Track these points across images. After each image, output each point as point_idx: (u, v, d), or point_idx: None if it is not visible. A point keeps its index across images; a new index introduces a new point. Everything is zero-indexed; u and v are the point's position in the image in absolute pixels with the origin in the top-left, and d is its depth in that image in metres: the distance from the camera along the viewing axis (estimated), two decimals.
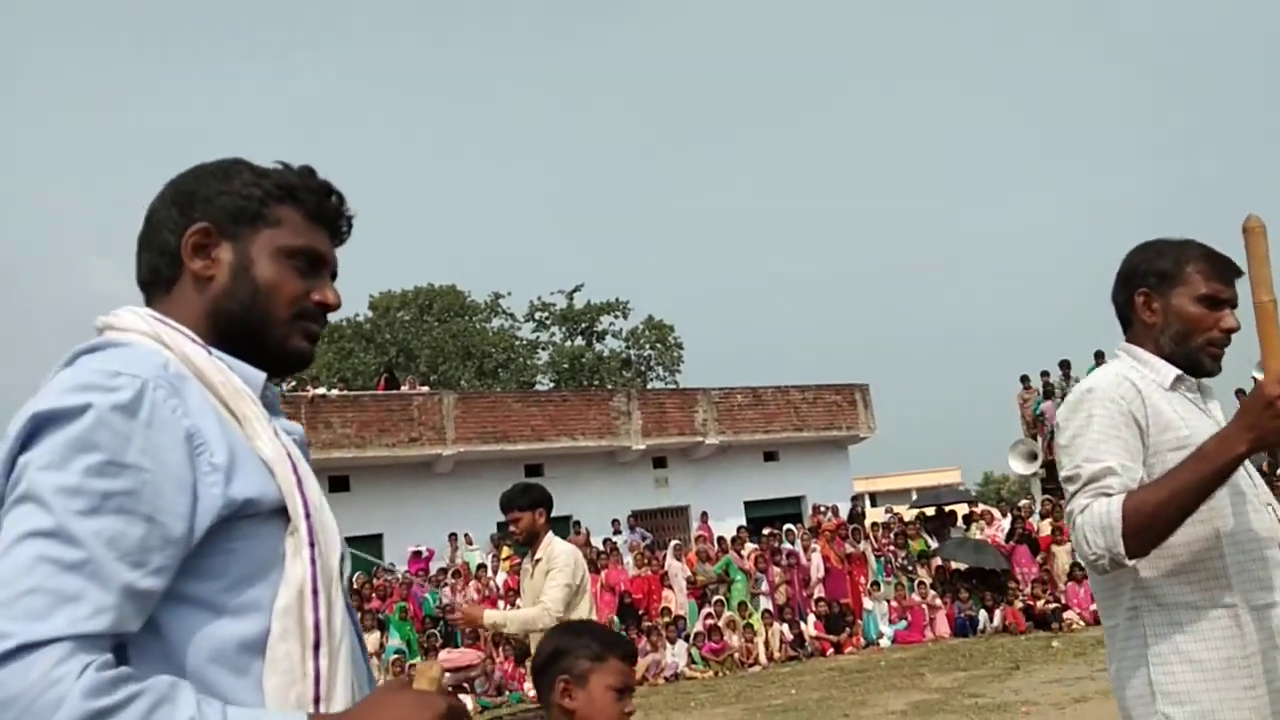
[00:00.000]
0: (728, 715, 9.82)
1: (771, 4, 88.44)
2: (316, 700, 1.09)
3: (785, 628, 14.46)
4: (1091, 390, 2.04)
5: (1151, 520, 1.82)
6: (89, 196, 72.16)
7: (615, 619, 14.13)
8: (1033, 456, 19.45)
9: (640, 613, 14.64)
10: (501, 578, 15.25)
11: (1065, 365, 20.52)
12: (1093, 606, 13.84)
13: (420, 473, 19.10)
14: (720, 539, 16.39)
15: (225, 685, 1.04)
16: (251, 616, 1.08)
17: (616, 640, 2.06)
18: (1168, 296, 2.08)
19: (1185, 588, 1.91)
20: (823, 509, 18.43)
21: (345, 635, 1.15)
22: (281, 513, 1.12)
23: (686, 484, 21.53)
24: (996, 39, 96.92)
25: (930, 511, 18.43)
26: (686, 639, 13.95)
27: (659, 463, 21.51)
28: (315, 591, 1.12)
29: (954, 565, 15.75)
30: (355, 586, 15.39)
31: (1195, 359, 2.07)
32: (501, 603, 13.30)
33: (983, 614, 14.57)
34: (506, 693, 12.57)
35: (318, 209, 1.28)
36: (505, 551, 15.92)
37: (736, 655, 13.79)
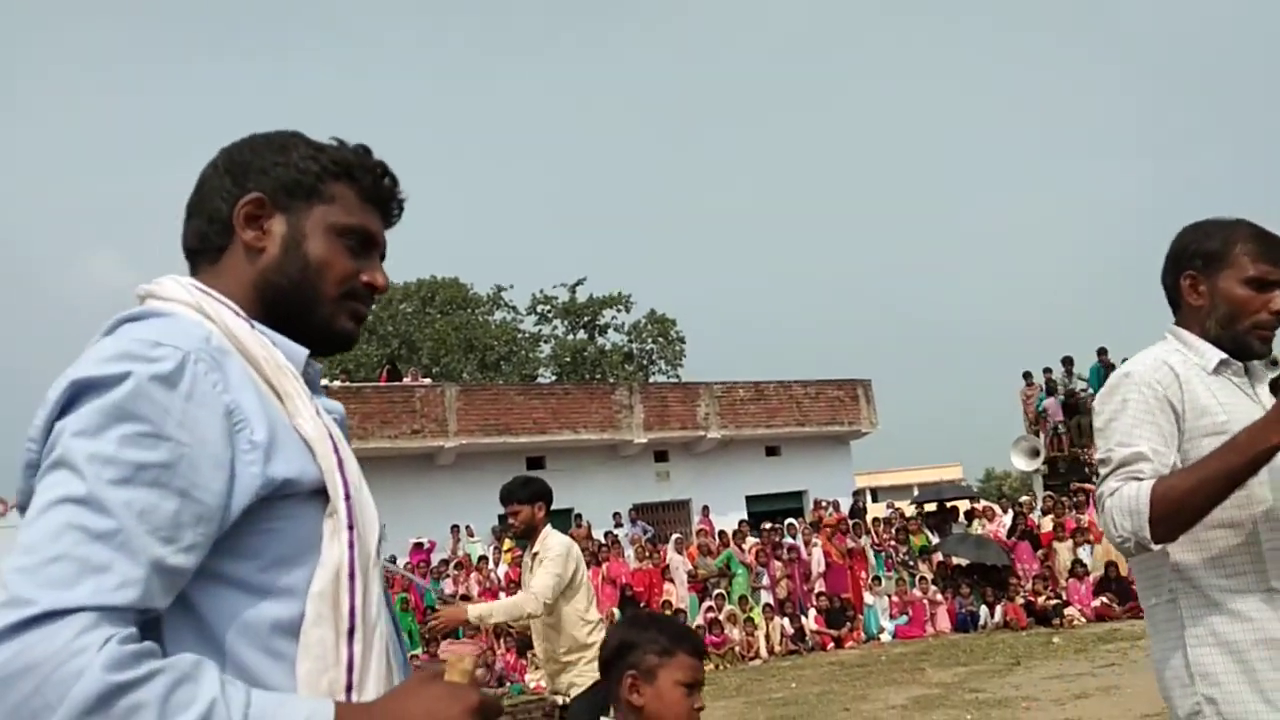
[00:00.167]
0: (728, 708, 9.82)
1: (772, 4, 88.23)
2: (349, 688, 1.06)
3: (786, 622, 14.47)
4: (1129, 375, 2.03)
5: (1178, 507, 1.83)
6: (91, 190, 72.16)
7: (616, 612, 14.15)
8: (1035, 453, 19.44)
9: (642, 606, 14.65)
10: (503, 570, 15.27)
11: (1068, 362, 20.51)
12: (1094, 603, 13.92)
13: (422, 465, 19.11)
14: (721, 533, 16.40)
15: (260, 667, 1.02)
16: (287, 599, 1.05)
17: (684, 633, 2.01)
18: (1215, 279, 2.05)
19: (1221, 572, 1.92)
20: (824, 504, 18.42)
21: (380, 621, 1.12)
22: (320, 493, 1.09)
23: (688, 478, 21.53)
24: (996, 38, 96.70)
25: (932, 507, 18.43)
26: None
27: (660, 456, 21.52)
28: (352, 575, 1.09)
29: (955, 561, 15.75)
30: None
31: (1242, 342, 2.04)
32: (503, 594, 13.32)
33: (984, 610, 14.57)
34: (508, 684, 12.59)
35: (372, 189, 1.26)
36: (507, 544, 15.93)
37: (737, 649, 13.81)
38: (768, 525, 16.65)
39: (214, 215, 1.21)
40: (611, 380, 31.15)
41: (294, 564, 1.07)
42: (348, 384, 21.03)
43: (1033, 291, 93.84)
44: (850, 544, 15.84)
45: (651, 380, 33.70)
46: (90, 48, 74.13)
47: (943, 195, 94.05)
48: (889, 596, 15.07)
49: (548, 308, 37.36)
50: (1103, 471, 1.98)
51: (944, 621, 14.63)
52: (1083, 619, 13.75)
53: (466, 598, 12.98)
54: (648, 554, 15.65)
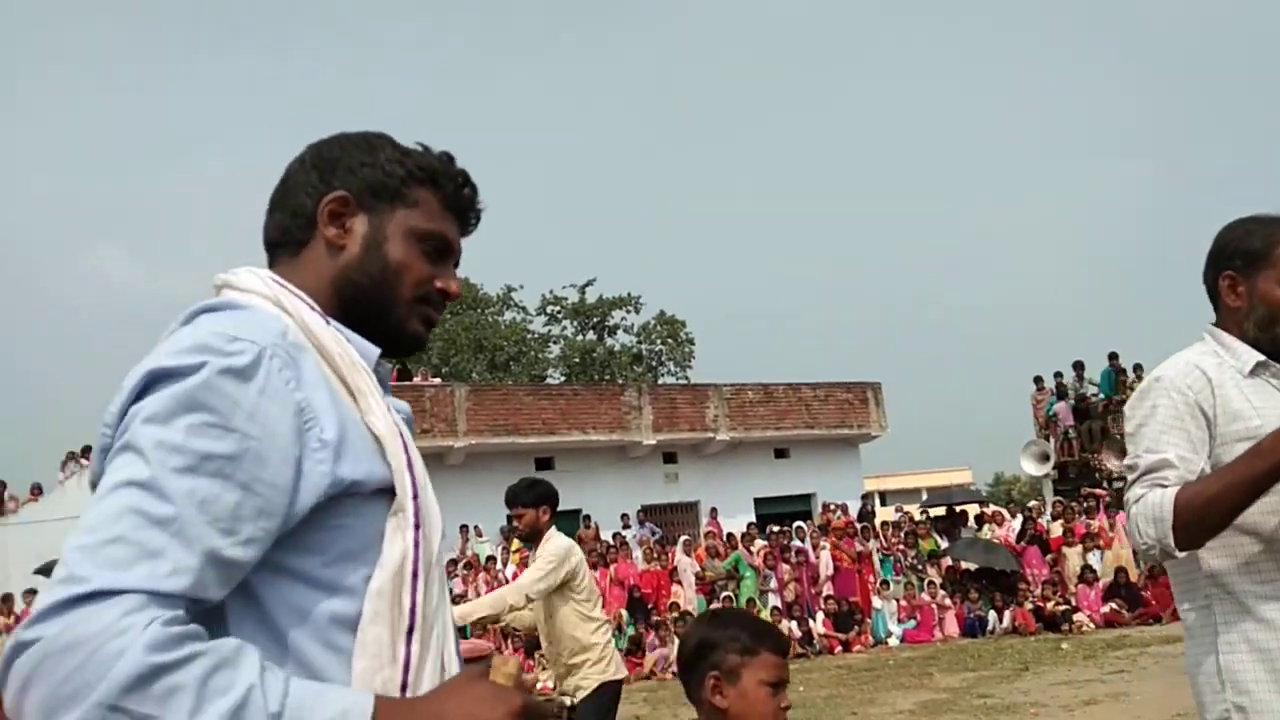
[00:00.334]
0: None
1: (776, 3, 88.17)
2: (403, 687, 1.06)
3: (794, 625, 14.44)
4: (1159, 379, 2.00)
5: (1202, 514, 1.81)
6: (94, 185, 72.52)
7: (624, 613, 14.15)
8: (1045, 458, 19.38)
9: (649, 607, 14.65)
10: (511, 570, 15.28)
11: (1079, 366, 20.44)
12: (1103, 609, 13.88)
13: (431, 464, 18.25)
14: (730, 535, 16.39)
15: (319, 660, 1.03)
16: (348, 595, 1.06)
17: (766, 630, 1.93)
18: (1254, 279, 2.00)
19: (1255, 578, 1.90)
20: (832, 507, 18.40)
21: (438, 622, 1.13)
22: (386, 492, 1.10)
23: (696, 479, 21.52)
24: (1013, 33, 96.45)
25: (941, 511, 18.39)
26: None
27: (669, 458, 21.51)
28: (415, 574, 1.09)
29: (964, 565, 15.71)
30: None
31: None
32: None
33: (992, 615, 14.53)
34: None
35: (454, 197, 1.27)
36: (515, 544, 15.94)
37: None
38: (776, 528, 16.63)
39: (298, 210, 1.22)
40: (620, 381, 31.15)
41: (357, 561, 1.07)
42: None
43: (1044, 294, 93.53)
44: (859, 547, 15.81)
45: (660, 382, 33.69)
46: (89, 46, 74.54)
47: (952, 197, 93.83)
48: (897, 601, 15.03)
49: (557, 308, 37.40)
50: (1130, 477, 1.96)
51: (952, 626, 14.59)
52: (1092, 625, 13.70)
53: (461, 598, 12.99)
54: (656, 555, 15.65)
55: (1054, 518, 16.40)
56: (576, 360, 36.15)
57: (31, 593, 14.44)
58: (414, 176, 1.23)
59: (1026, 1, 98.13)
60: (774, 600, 14.86)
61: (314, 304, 1.16)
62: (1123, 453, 14.83)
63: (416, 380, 21.19)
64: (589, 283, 37.18)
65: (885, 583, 15.32)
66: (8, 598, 14.36)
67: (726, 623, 1.92)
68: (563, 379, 35.20)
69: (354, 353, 1.14)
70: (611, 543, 16.17)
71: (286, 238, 1.23)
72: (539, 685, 11.77)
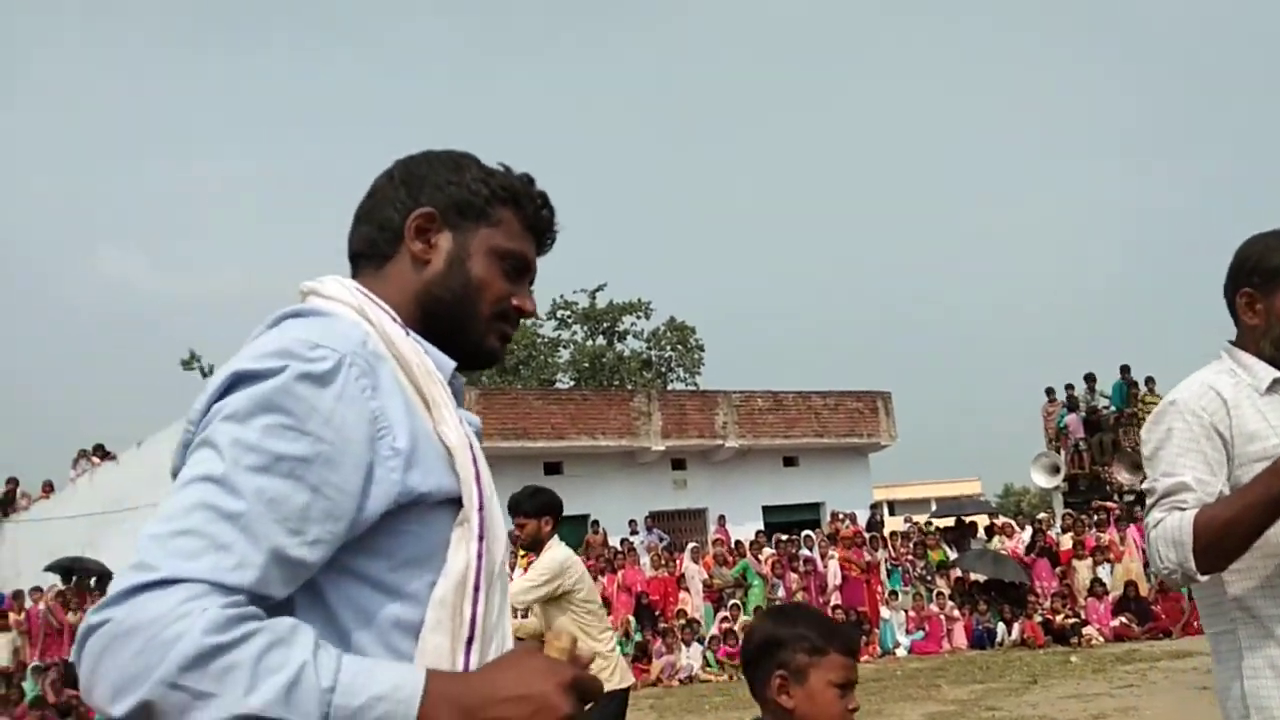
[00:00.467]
0: None
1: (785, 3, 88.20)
2: None
3: None
4: (1174, 403, 1.98)
5: (1221, 536, 1.79)
6: (103, 185, 72.89)
7: (631, 619, 14.13)
8: (1055, 470, 19.30)
9: (656, 614, 14.62)
10: (518, 574, 15.26)
11: (1090, 378, 20.36)
12: (1112, 622, 13.80)
13: None
14: (738, 543, 16.35)
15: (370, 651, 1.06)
16: (412, 601, 1.08)
17: (835, 630, 1.88)
18: (1272, 297, 1.96)
19: (1278, 601, 1.88)
20: (841, 516, 18.35)
21: (497, 633, 1.15)
22: (453, 502, 1.12)
23: (705, 486, 21.49)
24: (1021, 32, 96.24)
25: (950, 522, 18.31)
26: (702, 642, 13.93)
27: (678, 464, 21.49)
28: (478, 586, 1.12)
29: (973, 577, 15.65)
30: None
31: None
32: None
33: (1001, 627, 14.46)
34: None
35: (534, 217, 1.31)
36: (522, 550, 15.95)
37: None
38: (784, 536, 16.59)
39: (385, 223, 1.26)
40: (630, 387, 31.14)
41: (422, 568, 1.10)
42: None
43: (1058, 304, 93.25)
44: (867, 557, 15.76)
45: (670, 388, 33.67)
46: (96, 42, 74.97)
47: (965, 206, 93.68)
48: (905, 611, 14.98)
49: (568, 313, 37.39)
50: (1149, 502, 1.95)
51: (960, 638, 14.53)
52: (1101, 639, 13.62)
53: None
54: (663, 562, 15.63)
55: (1064, 530, 16.33)
56: (586, 365, 36.14)
57: (37, 590, 14.50)
58: (497, 196, 1.28)
59: (1027, 2, 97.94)
60: None
61: (395, 315, 1.19)
62: (1134, 466, 14.80)
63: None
64: (600, 288, 37.18)
65: (893, 593, 15.26)
66: (18, 594, 14.41)
67: (794, 620, 1.86)
68: (572, 384, 35.18)
69: (431, 364, 1.17)
70: (619, 549, 16.15)
71: (372, 250, 1.27)
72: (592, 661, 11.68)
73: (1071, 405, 19.91)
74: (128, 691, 0.88)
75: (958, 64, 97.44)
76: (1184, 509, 1.85)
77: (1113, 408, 19.70)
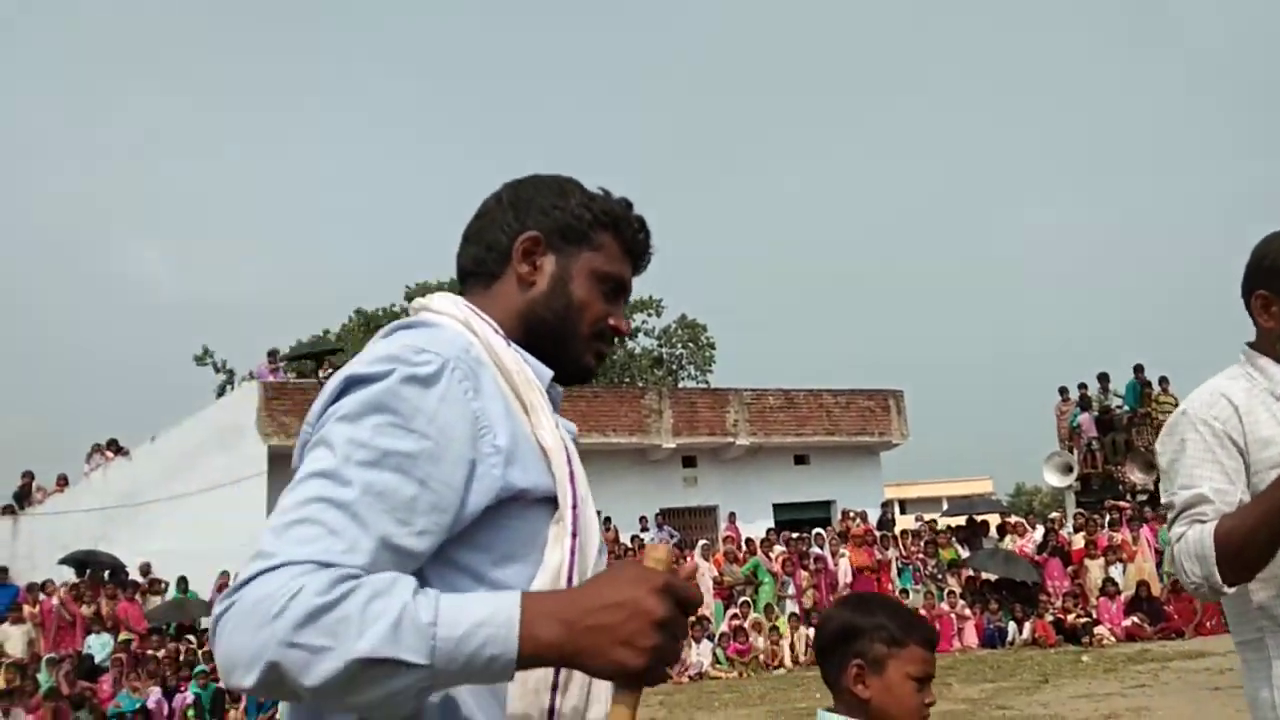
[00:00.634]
0: (751, 717, 9.79)
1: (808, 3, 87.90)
2: (554, 687, 1.13)
3: (811, 631, 14.39)
4: (1185, 413, 1.95)
5: (1242, 546, 1.75)
6: (125, 182, 73.23)
7: None
8: (1068, 469, 19.22)
9: None
10: None
11: (1104, 378, 20.27)
12: (1124, 622, 13.75)
13: None
14: (749, 540, 16.34)
15: (462, 691, 1.10)
16: None
17: (915, 622, 1.84)
18: None
19: None
20: (852, 514, 18.33)
21: None
22: (550, 500, 1.18)
23: (715, 484, 21.48)
24: (1030, 33, 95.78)
25: (961, 521, 18.26)
26: (711, 639, 13.93)
27: (689, 462, 21.49)
28: (570, 581, 1.16)
29: (984, 576, 15.60)
30: None
31: None
32: None
33: (1012, 626, 14.42)
34: None
35: (632, 241, 1.38)
36: None
37: (761, 657, 13.75)
38: (795, 534, 16.56)
39: (493, 244, 1.34)
40: (641, 384, 31.15)
41: (521, 562, 1.15)
42: None
43: (1070, 305, 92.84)
44: (878, 555, 15.73)
45: (681, 385, 33.66)
46: (118, 44, 75.28)
47: (980, 205, 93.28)
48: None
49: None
50: (1169, 516, 1.92)
51: (971, 637, 14.50)
52: (1113, 638, 13.58)
53: None
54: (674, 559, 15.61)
55: (1076, 530, 16.27)
56: None
57: (50, 583, 14.58)
58: (599, 221, 1.34)
59: (1052, 6, 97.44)
60: (791, 606, 14.82)
61: (499, 329, 1.27)
62: (1148, 466, 14.72)
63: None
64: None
65: (904, 591, 15.23)
66: (31, 586, 14.50)
67: (873, 610, 1.83)
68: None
69: (530, 373, 1.24)
70: (629, 546, 16.16)
71: (480, 269, 1.35)
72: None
73: (1084, 404, 19.82)
74: (255, 659, 0.95)
75: (971, 68, 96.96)
76: (1204, 521, 1.81)
77: (1126, 407, 19.61)
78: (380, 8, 79.98)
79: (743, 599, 14.64)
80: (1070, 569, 15.45)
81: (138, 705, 12.38)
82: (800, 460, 22.68)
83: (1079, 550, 15.61)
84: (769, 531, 17.02)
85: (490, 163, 76.25)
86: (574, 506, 1.18)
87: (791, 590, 15.06)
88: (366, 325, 34.78)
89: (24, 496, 17.72)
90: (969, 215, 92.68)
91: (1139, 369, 19.56)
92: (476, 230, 1.37)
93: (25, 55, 64.35)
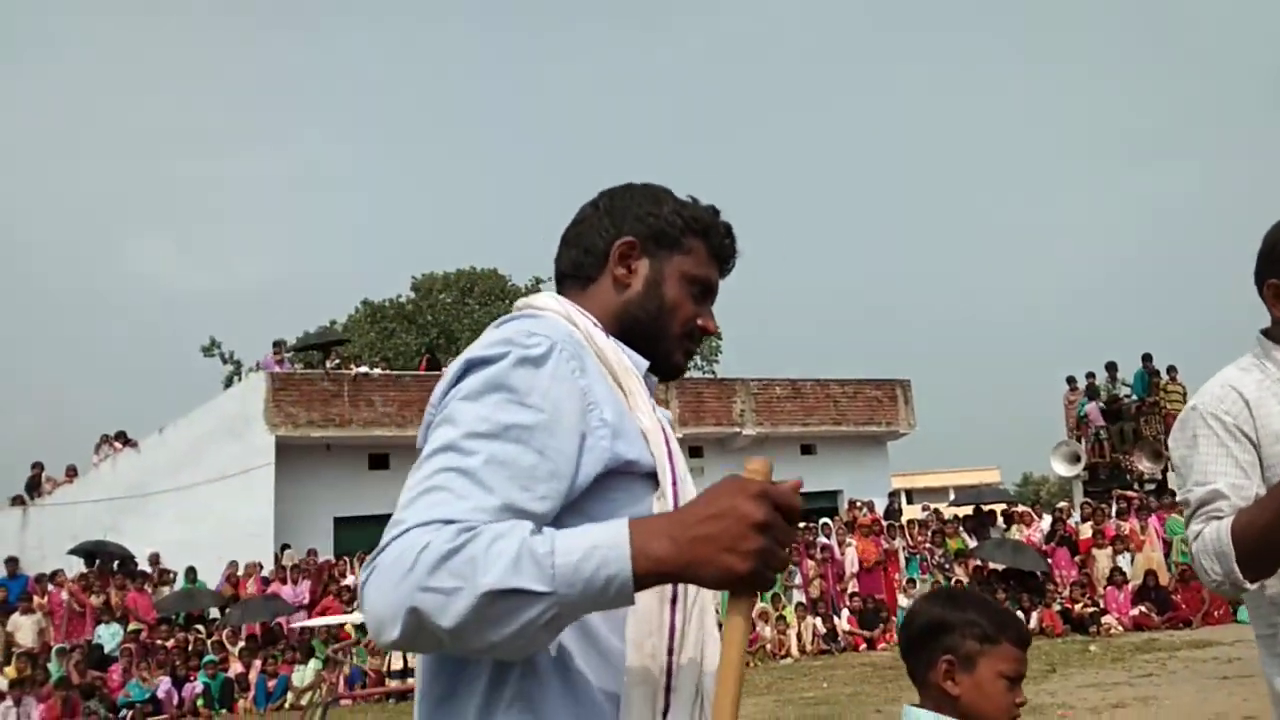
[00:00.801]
0: (759, 706, 9.80)
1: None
2: (670, 651, 1.20)
3: (819, 621, 14.41)
4: (1195, 408, 1.91)
5: (1260, 540, 1.72)
6: (133, 179, 73.35)
7: None
8: (1075, 458, 19.19)
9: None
10: None
11: (1111, 367, 20.21)
12: (1132, 611, 13.73)
13: None
14: None
15: (596, 620, 1.18)
16: None
17: (1009, 619, 1.81)
18: None
19: None
20: (859, 504, 18.33)
21: (698, 596, 1.26)
22: (652, 477, 1.25)
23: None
24: (1047, 32, 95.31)
25: (969, 511, 18.25)
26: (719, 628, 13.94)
27: (695, 452, 21.48)
28: None
29: (992, 565, 15.59)
30: None
31: None
32: None
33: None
34: None
35: (719, 247, 1.46)
36: None
37: (768, 647, 13.77)
38: (802, 524, 16.53)
39: (590, 248, 1.43)
40: None
41: None
42: (388, 372, 21.22)
43: (1078, 291, 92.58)
44: (885, 545, 15.73)
45: (687, 375, 33.68)
46: (121, 38, 75.30)
47: (986, 196, 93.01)
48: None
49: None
50: (1185, 514, 1.88)
51: None
52: (1120, 628, 13.56)
53: None
54: None
55: (1083, 519, 16.24)
56: None
57: (60, 573, 14.65)
58: (690, 228, 1.43)
59: (1059, 6, 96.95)
60: (799, 596, 14.83)
61: (598, 323, 1.36)
62: (1155, 455, 14.65)
63: (445, 370, 21.27)
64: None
65: (911, 581, 15.23)
66: (41, 577, 14.57)
67: (965, 605, 1.79)
68: None
69: (627, 360, 1.33)
70: None
71: (578, 271, 1.43)
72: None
73: (1092, 394, 19.77)
74: (397, 611, 1.02)
75: (988, 60, 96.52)
76: (1221, 517, 1.78)
77: (1134, 396, 19.56)
78: (381, 7, 79.89)
79: None
80: (1078, 558, 15.43)
81: (147, 695, 12.46)
82: (807, 450, 22.67)
83: (1086, 540, 15.59)
84: None
85: (499, 155, 76.17)
86: (674, 484, 1.25)
87: (798, 580, 15.06)
88: (373, 316, 34.84)
89: (34, 487, 17.81)
90: (977, 204, 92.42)
91: (1147, 358, 19.50)
92: (575, 235, 1.45)
93: (35, 49, 64.42)
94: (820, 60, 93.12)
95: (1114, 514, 16.07)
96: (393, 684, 12.80)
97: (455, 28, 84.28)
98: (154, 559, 15.82)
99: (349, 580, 15.08)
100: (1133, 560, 14.96)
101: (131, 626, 13.94)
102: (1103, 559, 15.05)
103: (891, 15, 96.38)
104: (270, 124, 76.85)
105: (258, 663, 13.25)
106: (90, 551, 15.82)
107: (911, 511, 22.31)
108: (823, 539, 15.84)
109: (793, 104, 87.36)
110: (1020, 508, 18.20)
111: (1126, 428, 19.17)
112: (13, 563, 15.19)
